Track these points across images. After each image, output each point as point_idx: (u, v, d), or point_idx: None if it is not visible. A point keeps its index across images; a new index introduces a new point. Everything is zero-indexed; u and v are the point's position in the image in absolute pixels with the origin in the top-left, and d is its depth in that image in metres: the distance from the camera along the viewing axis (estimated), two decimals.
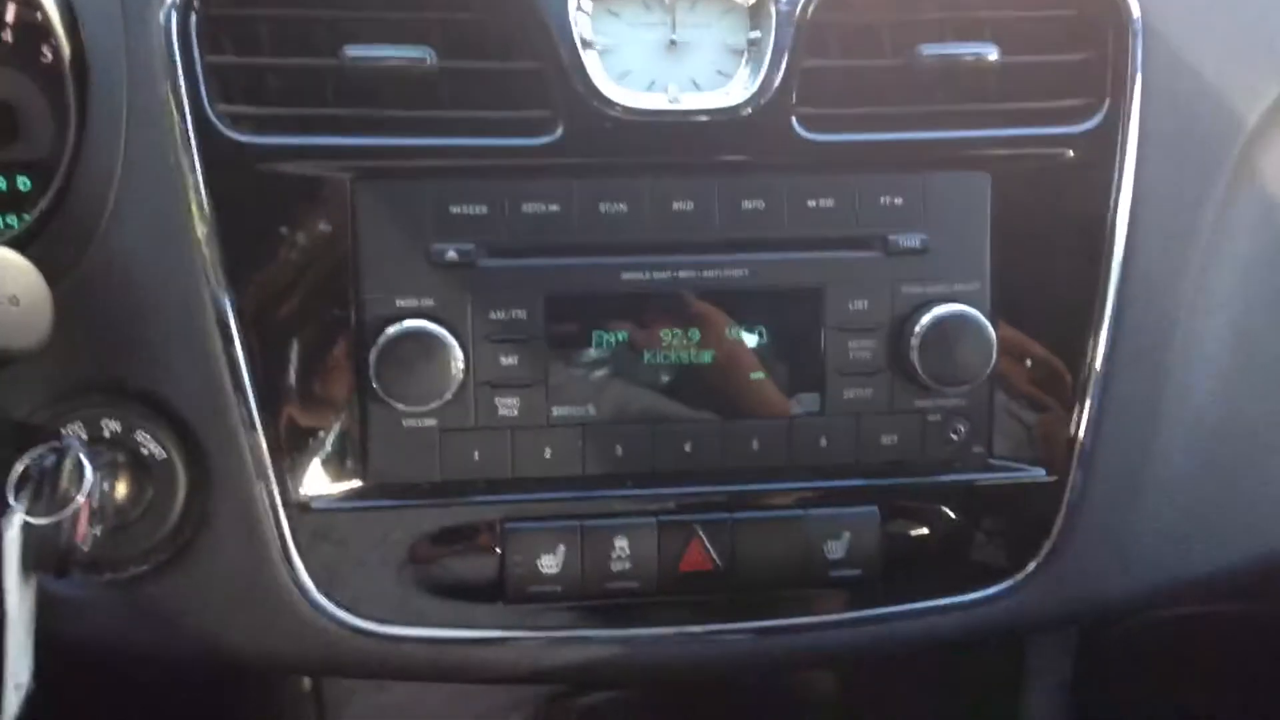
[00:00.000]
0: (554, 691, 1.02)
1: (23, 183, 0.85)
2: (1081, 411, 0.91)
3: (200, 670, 0.94)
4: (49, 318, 0.73)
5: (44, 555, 0.75)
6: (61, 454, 0.76)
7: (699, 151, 0.87)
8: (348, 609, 0.87)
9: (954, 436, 0.92)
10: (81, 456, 0.77)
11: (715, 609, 0.92)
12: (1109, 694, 1.11)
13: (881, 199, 0.89)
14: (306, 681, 0.96)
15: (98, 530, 0.79)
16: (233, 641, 0.86)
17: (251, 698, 1.00)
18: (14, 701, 0.76)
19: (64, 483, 0.75)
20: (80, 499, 0.76)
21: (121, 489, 0.83)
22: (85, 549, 0.77)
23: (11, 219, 0.85)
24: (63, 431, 0.80)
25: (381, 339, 0.84)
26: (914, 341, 0.88)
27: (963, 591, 0.93)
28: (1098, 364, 0.90)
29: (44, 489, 0.76)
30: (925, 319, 0.88)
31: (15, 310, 0.71)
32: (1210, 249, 0.92)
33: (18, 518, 0.74)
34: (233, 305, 0.83)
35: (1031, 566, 0.93)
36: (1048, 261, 0.91)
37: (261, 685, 0.98)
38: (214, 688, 1.02)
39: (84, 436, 0.81)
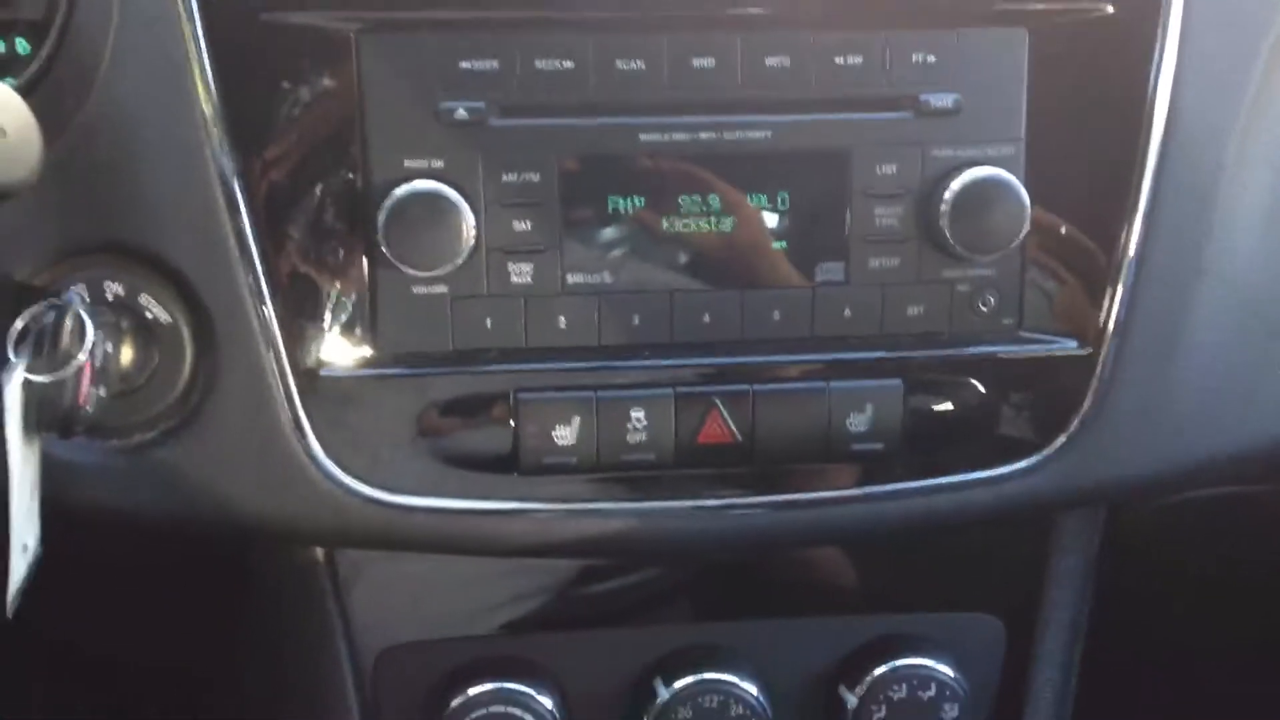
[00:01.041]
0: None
1: (21, 45, 0.83)
2: (1117, 281, 0.88)
3: (209, 540, 0.93)
4: (38, 149, 0.70)
5: (46, 414, 0.74)
6: (61, 311, 0.74)
7: (721, 1, 0.83)
8: (359, 478, 0.86)
9: (983, 308, 0.89)
10: (82, 313, 0.75)
11: (733, 483, 0.90)
12: (1134, 574, 1.09)
13: (913, 56, 0.85)
14: (319, 553, 0.95)
15: (101, 391, 0.77)
16: (242, 510, 0.85)
17: (262, 570, 1.00)
18: (21, 565, 0.76)
19: (65, 340, 0.73)
20: (82, 357, 0.74)
21: (126, 354, 0.81)
22: (89, 410, 0.76)
23: (10, 80, 0.83)
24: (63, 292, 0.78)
25: (389, 200, 0.81)
26: (944, 207, 0.85)
27: (988, 467, 0.90)
28: (1136, 232, 0.87)
29: (44, 346, 0.74)
30: (956, 183, 0.84)
31: (2, 142, 0.68)
32: (1254, 110, 0.87)
33: (18, 374, 0.72)
34: (235, 163, 0.80)
35: (1060, 441, 0.90)
36: (1086, 123, 0.86)
37: (273, 557, 0.97)
38: (224, 560, 1.01)
39: (85, 298, 0.79)
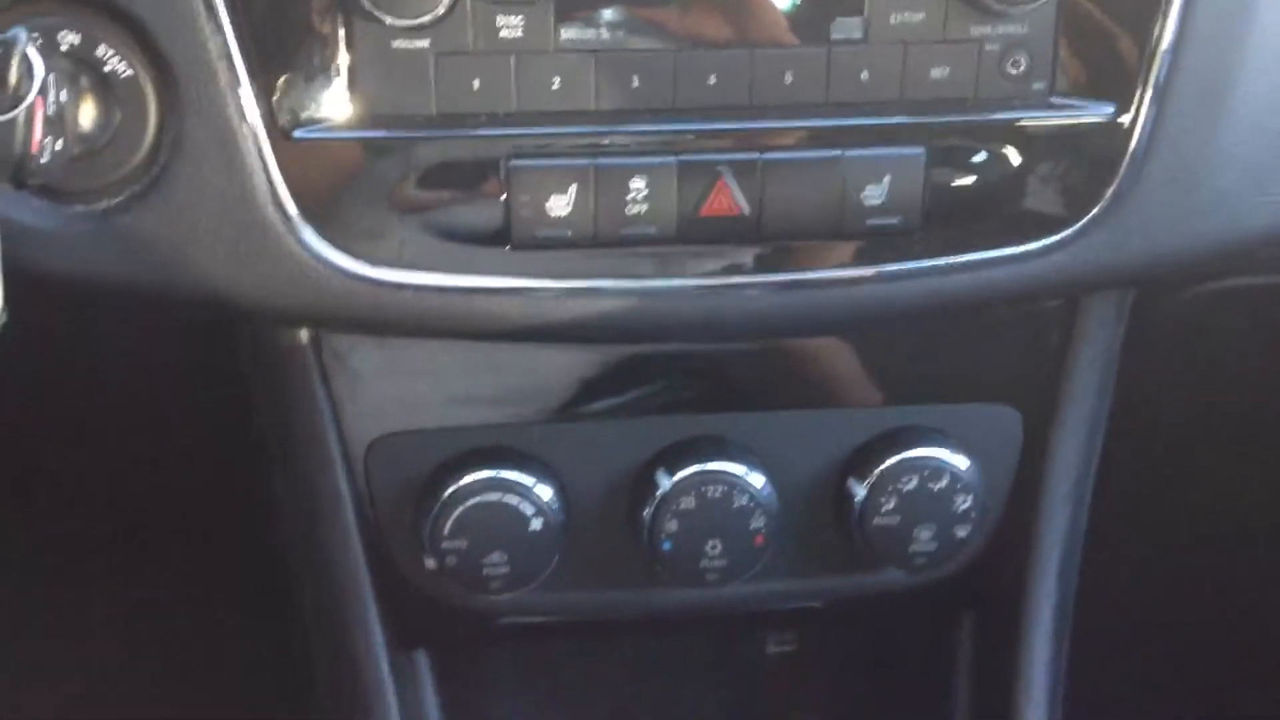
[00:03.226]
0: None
1: None
2: (1159, 40, 0.81)
3: (186, 318, 0.89)
4: None
5: None
6: (8, 48, 0.68)
7: None
8: (340, 250, 0.80)
9: (1012, 70, 0.82)
10: (31, 51, 0.68)
11: (739, 261, 0.84)
12: (1159, 368, 1.05)
13: None
14: (304, 336, 0.91)
15: (58, 145, 0.72)
16: (216, 282, 0.80)
17: (247, 355, 0.95)
18: None
19: (12, 78, 0.67)
20: (32, 96, 0.68)
21: (86, 111, 0.75)
22: (45, 162, 0.70)
23: None
24: None
25: None
26: None
27: (1013, 244, 0.85)
28: None
29: None
30: None
31: None
32: None
33: None
34: None
35: (1090, 216, 0.84)
36: None
37: (256, 341, 0.93)
38: (208, 347, 0.97)
39: (36, 37, 0.72)
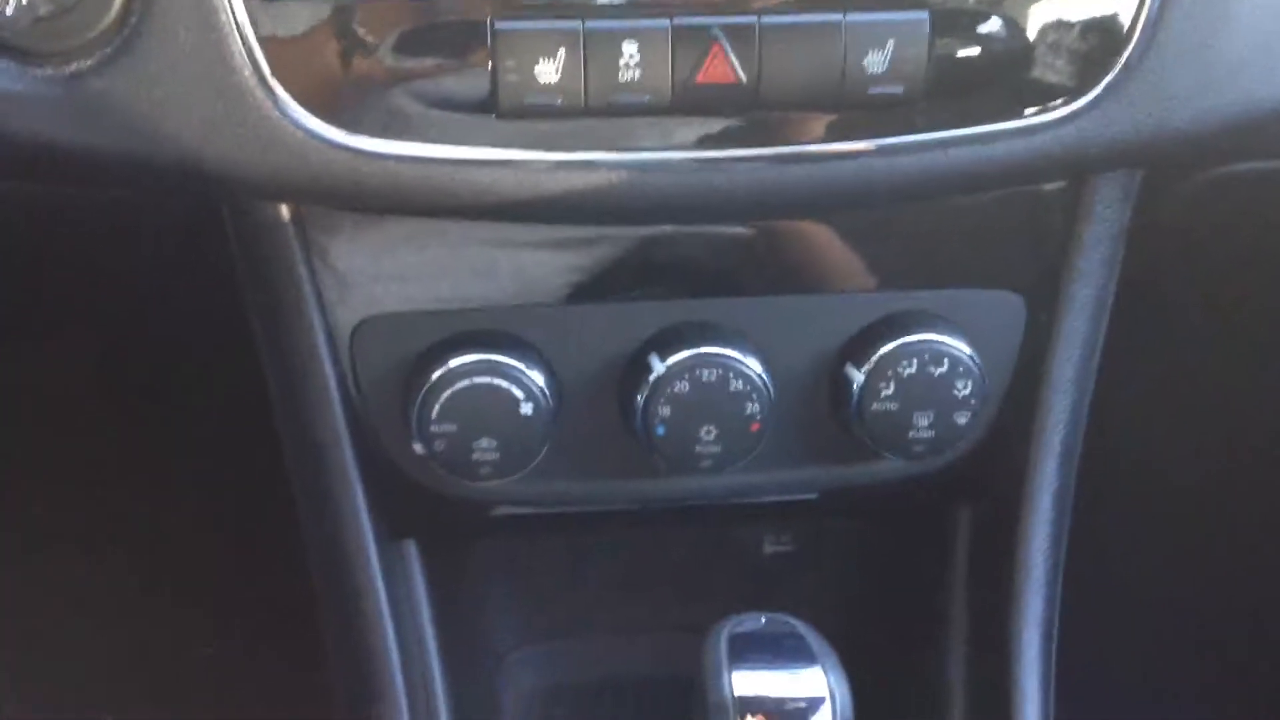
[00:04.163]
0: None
1: None
2: None
3: (161, 193, 0.86)
4: None
5: None
6: None
7: None
8: (320, 117, 0.77)
9: None
10: None
11: (735, 132, 0.81)
12: (1165, 254, 1.02)
13: None
14: (285, 212, 0.88)
15: (24, 1, 0.69)
16: (190, 150, 0.77)
17: (229, 233, 0.92)
18: None
19: None
20: None
21: None
22: (8, 13, 0.68)
23: None
24: None
25: None
26: None
27: (1019, 116, 0.82)
28: None
29: None
30: None
31: None
32: None
33: None
34: None
35: (1101, 86, 0.81)
36: None
37: (235, 218, 0.90)
38: (189, 226, 0.94)
39: None
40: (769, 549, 1.29)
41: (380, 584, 1.00)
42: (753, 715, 0.77)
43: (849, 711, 0.79)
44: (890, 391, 0.93)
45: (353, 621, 1.00)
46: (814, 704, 0.78)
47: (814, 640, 0.82)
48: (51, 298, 1.20)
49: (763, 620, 0.86)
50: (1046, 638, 1.04)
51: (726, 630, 0.84)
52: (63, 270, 1.14)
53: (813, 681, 0.79)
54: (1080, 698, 1.10)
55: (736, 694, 0.79)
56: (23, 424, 1.29)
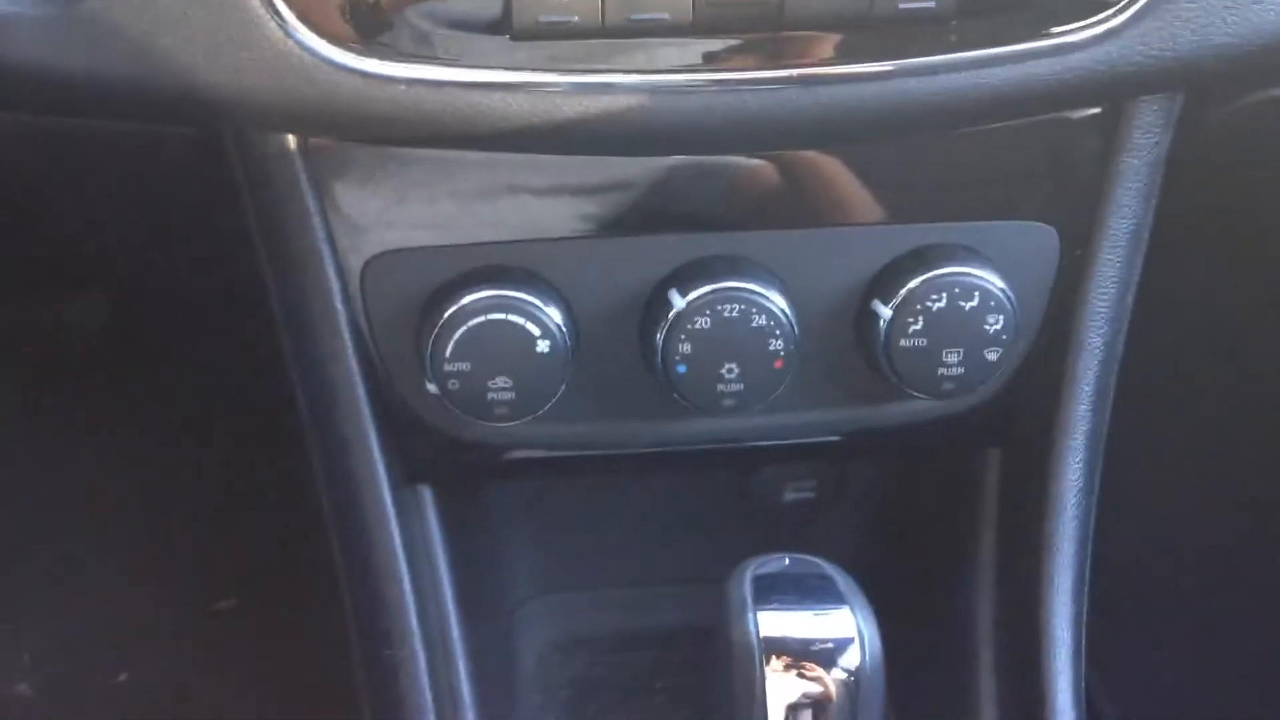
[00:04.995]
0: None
1: None
2: None
3: (166, 122, 0.84)
4: None
5: None
6: None
7: None
8: (326, 38, 0.74)
9: None
10: None
11: (760, 52, 0.78)
12: (1206, 185, 0.98)
13: None
14: (293, 143, 0.85)
15: None
16: (191, 74, 0.74)
17: (238, 164, 0.89)
18: None
19: None
20: None
21: None
22: None
23: None
24: None
25: None
26: None
27: (1058, 33, 0.78)
28: None
29: None
30: None
31: None
32: None
33: None
34: None
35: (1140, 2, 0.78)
36: None
37: (241, 149, 0.87)
38: (195, 159, 0.91)
39: None
40: (790, 496, 1.27)
41: (395, 528, 0.98)
42: (778, 657, 0.75)
43: (878, 653, 0.77)
44: (919, 327, 0.90)
45: (368, 567, 0.98)
46: (842, 645, 0.76)
47: (841, 580, 0.80)
48: (56, 239, 1.18)
49: (787, 561, 0.83)
50: (1079, 579, 1.01)
51: (750, 570, 0.82)
52: (66, 211, 1.11)
53: (841, 622, 0.77)
54: (1112, 639, 1.07)
55: (762, 635, 0.76)
56: (30, 369, 1.27)
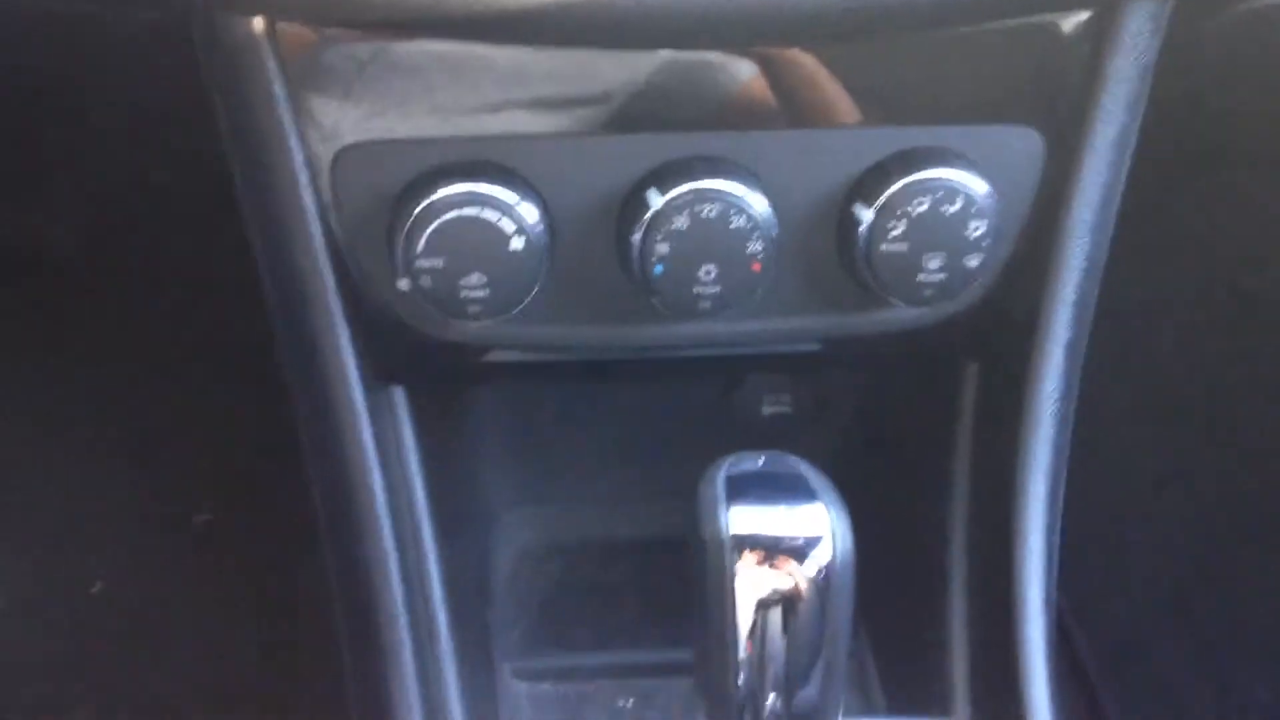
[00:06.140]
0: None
1: None
2: None
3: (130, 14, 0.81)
4: None
5: None
6: None
7: None
8: None
9: None
10: None
11: None
12: (1194, 93, 0.97)
13: None
14: (259, 26, 0.81)
15: None
16: None
17: (196, 56, 0.87)
18: None
19: None
20: None
21: None
22: None
23: None
24: None
25: None
26: None
27: None
28: None
29: None
30: None
31: None
32: None
33: None
34: None
35: None
36: None
37: (207, 33, 0.84)
38: (153, 49, 0.89)
39: None
40: (767, 409, 1.26)
41: (366, 426, 0.97)
42: (750, 552, 0.75)
43: (849, 550, 0.76)
44: (900, 231, 0.88)
45: (338, 464, 0.97)
46: (812, 541, 0.75)
47: (814, 478, 0.79)
48: (29, 143, 1.15)
49: (761, 460, 0.82)
50: (1053, 490, 1.01)
51: (724, 469, 0.81)
52: (38, 113, 1.09)
53: (813, 518, 0.76)
54: (1083, 551, 1.08)
55: (732, 531, 0.76)
56: (1, 280, 1.26)
